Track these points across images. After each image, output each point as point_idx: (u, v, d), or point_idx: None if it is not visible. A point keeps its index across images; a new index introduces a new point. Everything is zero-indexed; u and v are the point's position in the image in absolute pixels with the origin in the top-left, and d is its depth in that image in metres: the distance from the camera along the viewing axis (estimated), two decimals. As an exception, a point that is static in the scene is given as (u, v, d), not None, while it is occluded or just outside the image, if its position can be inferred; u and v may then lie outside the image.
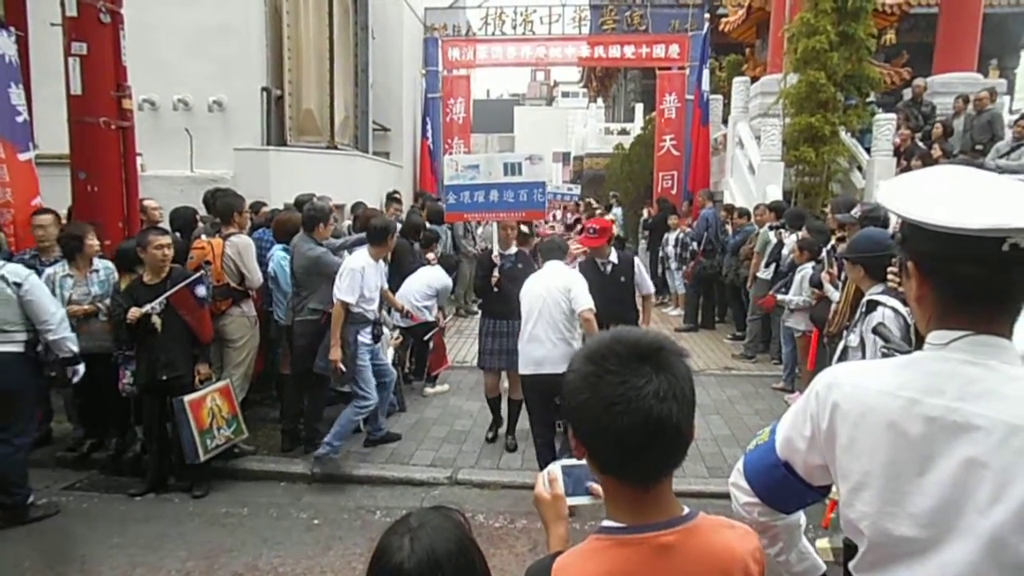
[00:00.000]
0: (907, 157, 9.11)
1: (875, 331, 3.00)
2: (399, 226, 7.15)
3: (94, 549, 3.90)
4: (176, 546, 3.93)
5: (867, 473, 1.11)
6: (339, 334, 4.74)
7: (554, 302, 4.38)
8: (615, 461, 1.11)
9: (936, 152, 8.62)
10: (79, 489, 4.68)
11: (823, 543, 3.37)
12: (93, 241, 4.83)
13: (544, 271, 4.62)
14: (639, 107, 22.90)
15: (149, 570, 3.69)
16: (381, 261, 5.18)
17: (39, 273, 4.78)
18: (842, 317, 3.91)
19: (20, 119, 5.45)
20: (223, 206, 5.29)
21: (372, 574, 1.24)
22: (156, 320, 4.35)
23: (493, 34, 13.52)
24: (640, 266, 5.42)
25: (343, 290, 4.72)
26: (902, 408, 1.08)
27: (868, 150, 9.58)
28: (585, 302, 4.32)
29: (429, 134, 13.38)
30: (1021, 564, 0.97)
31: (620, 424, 1.04)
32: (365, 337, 4.93)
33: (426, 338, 6.53)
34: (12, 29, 5.55)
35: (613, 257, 5.24)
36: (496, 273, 5.29)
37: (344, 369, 4.77)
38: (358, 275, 4.75)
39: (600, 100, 30.88)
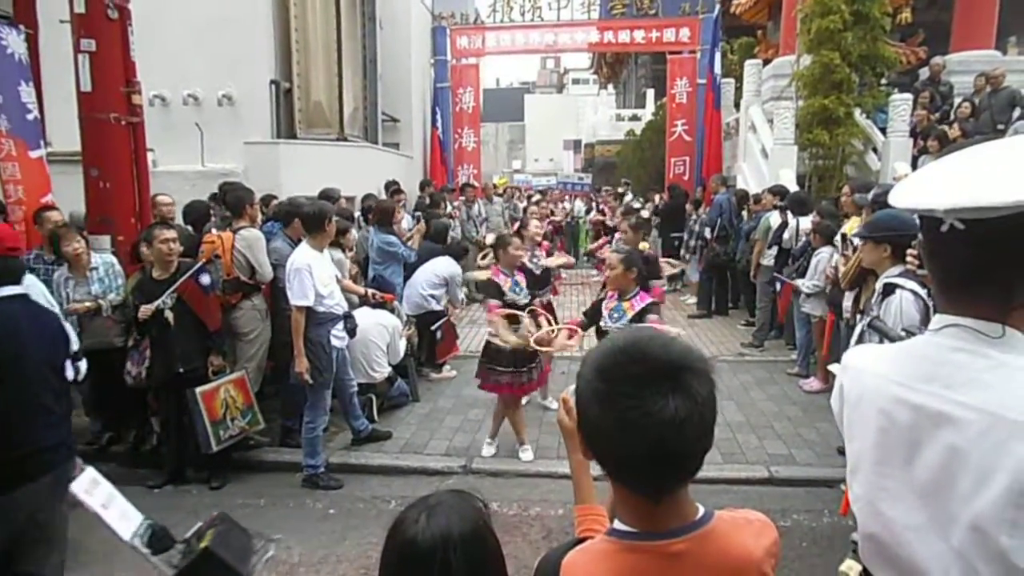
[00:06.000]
0: (924, 137, 8.95)
1: (871, 326, 2.96)
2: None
3: (113, 540, 3.94)
4: (194, 537, 3.97)
5: (859, 456, 1.12)
6: (301, 342, 4.41)
7: None
8: (624, 476, 1.08)
9: (954, 132, 8.46)
10: (98, 482, 4.73)
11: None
12: (77, 244, 4.78)
13: None
14: (650, 92, 22.78)
15: (168, 561, 3.74)
16: (327, 250, 4.73)
17: (47, 273, 4.85)
18: (851, 275, 3.87)
19: (31, 116, 5.49)
20: (233, 200, 5.29)
21: (387, 545, 1.27)
22: (168, 314, 4.39)
23: (502, 21, 13.42)
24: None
25: (296, 294, 4.35)
26: (892, 394, 1.07)
27: (884, 131, 9.44)
28: None
29: (439, 124, 13.35)
30: (1003, 555, 0.95)
31: (630, 447, 1.00)
32: (339, 334, 4.65)
33: (434, 328, 6.52)
34: (22, 27, 5.59)
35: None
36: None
37: (312, 381, 4.47)
38: (305, 274, 4.35)
39: (611, 86, 30.71)
